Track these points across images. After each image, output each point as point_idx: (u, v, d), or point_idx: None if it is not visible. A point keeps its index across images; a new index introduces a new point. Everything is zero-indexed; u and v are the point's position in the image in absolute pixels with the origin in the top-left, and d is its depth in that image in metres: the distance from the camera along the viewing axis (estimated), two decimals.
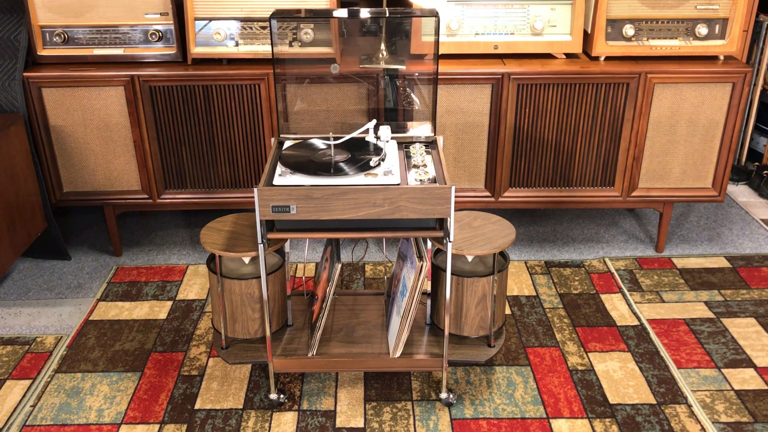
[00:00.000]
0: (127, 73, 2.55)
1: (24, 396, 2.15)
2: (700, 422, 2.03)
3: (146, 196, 2.73)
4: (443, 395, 2.09)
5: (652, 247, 2.93)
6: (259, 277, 1.99)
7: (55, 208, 2.81)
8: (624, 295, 2.61)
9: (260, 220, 1.83)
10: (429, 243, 2.03)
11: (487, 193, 2.74)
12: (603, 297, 2.60)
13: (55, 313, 2.55)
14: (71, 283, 2.73)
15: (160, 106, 2.60)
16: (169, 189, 2.74)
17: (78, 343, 2.38)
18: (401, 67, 2.54)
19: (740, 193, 3.40)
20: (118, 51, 2.63)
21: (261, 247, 1.87)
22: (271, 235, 1.88)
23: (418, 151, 2.06)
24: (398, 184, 1.85)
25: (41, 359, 2.31)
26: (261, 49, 2.60)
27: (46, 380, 2.21)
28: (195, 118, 2.62)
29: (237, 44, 2.60)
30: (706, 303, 2.56)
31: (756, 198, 3.35)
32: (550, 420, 2.05)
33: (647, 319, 2.47)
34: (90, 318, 2.51)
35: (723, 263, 2.81)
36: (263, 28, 2.59)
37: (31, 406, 2.11)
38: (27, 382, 2.21)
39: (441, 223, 1.90)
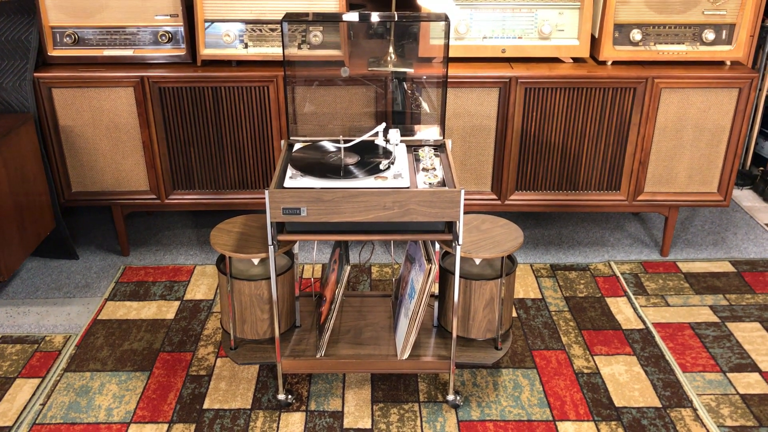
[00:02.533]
0: (136, 74, 2.57)
1: (33, 394, 2.17)
2: (705, 426, 2.04)
3: (154, 196, 2.75)
4: (450, 397, 2.10)
5: (657, 251, 2.94)
6: (268, 278, 2.01)
7: (63, 207, 2.83)
8: (629, 299, 2.62)
9: (271, 222, 1.84)
10: (437, 245, 2.04)
11: (494, 196, 2.75)
12: (608, 300, 2.61)
13: (63, 312, 2.57)
14: (79, 283, 2.74)
15: (169, 107, 2.61)
16: (177, 189, 2.75)
17: (86, 343, 2.39)
18: (410, 70, 2.56)
19: (745, 197, 3.41)
20: (127, 52, 2.64)
21: (271, 248, 1.88)
22: (281, 237, 1.90)
23: (427, 155, 2.07)
24: (408, 188, 1.86)
25: (50, 358, 2.32)
26: (270, 51, 2.61)
27: (55, 379, 2.23)
28: (204, 120, 2.63)
29: (246, 46, 2.61)
30: (711, 307, 2.58)
31: (761, 203, 3.36)
32: (557, 422, 2.06)
33: (652, 323, 2.49)
34: (98, 317, 2.52)
35: (728, 268, 2.82)
36: (272, 30, 2.60)
37: (40, 405, 2.13)
38: (36, 381, 2.22)
39: (450, 227, 1.91)
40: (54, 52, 2.64)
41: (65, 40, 2.63)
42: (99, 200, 2.77)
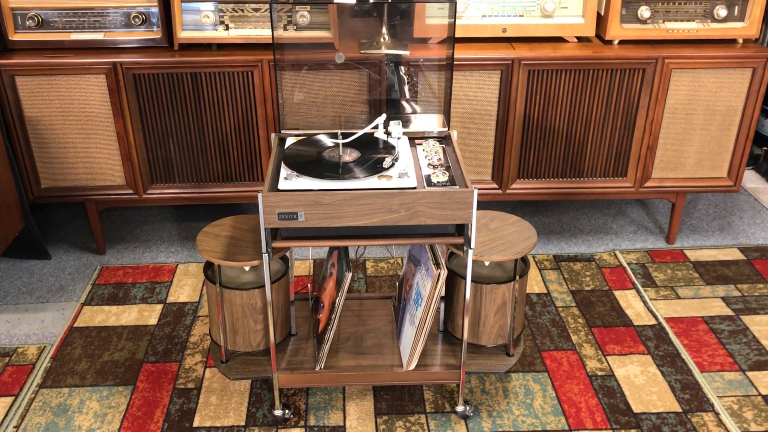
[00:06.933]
0: (108, 59, 2.36)
1: (6, 415, 1.99)
2: (729, 431, 1.94)
3: (131, 191, 2.55)
4: (460, 408, 1.96)
5: (662, 239, 2.82)
6: (262, 286, 1.84)
7: (32, 204, 2.62)
8: (638, 292, 2.50)
9: (265, 228, 1.67)
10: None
11: (495, 185, 2.60)
12: (617, 293, 2.49)
13: (36, 319, 2.38)
14: (53, 286, 2.55)
15: (144, 96, 2.41)
16: (156, 183, 2.56)
17: (63, 354, 2.21)
18: (405, 52, 2.38)
19: (747, 178, 3.30)
20: (97, 36, 2.43)
21: (265, 257, 1.71)
22: (276, 244, 1.72)
23: (432, 149, 1.90)
24: (415, 188, 1.70)
25: (24, 373, 2.14)
26: (253, 33, 2.41)
27: (30, 397, 2.05)
28: (183, 108, 2.43)
29: (227, 28, 2.41)
30: (723, 299, 2.46)
31: (764, 184, 3.25)
32: None
33: (664, 318, 2.37)
34: (75, 324, 2.34)
35: (737, 255, 2.71)
36: (255, 10, 2.40)
37: (14, 427, 1.95)
38: (9, 399, 2.04)
39: (459, 229, 1.75)
40: (16, 36, 2.41)
41: (27, 22, 2.41)
42: (71, 196, 2.56)
